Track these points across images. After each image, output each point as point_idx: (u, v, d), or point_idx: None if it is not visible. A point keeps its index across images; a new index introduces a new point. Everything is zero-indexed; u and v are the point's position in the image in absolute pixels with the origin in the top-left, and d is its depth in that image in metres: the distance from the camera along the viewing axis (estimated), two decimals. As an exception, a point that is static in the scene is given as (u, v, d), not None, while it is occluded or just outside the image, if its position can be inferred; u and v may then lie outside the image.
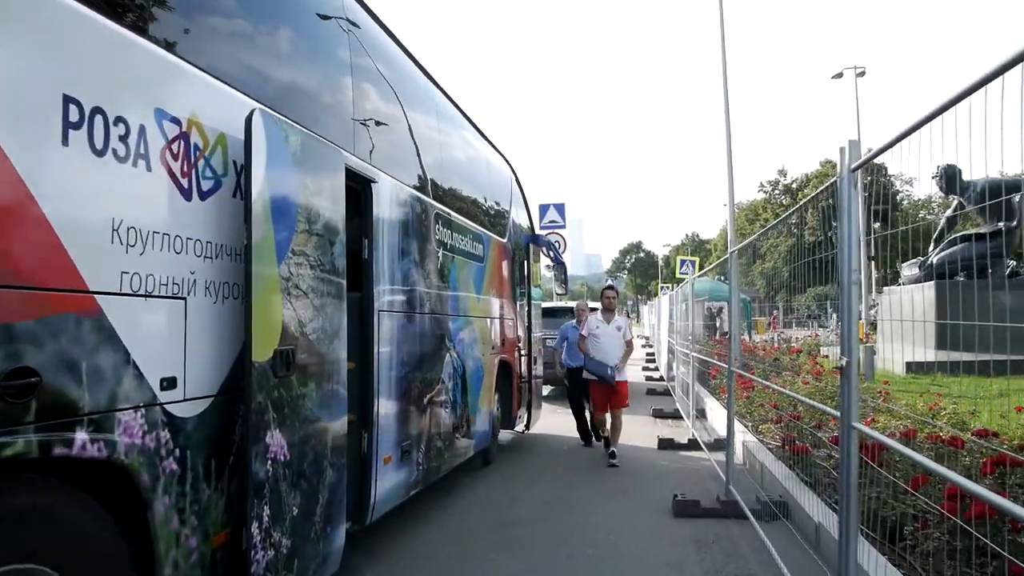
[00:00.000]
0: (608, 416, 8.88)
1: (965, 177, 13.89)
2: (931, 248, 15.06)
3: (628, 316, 31.44)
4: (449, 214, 6.86)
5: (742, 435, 8.44)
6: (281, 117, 3.64)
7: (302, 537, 3.68)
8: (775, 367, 10.87)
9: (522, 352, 9.82)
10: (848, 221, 2.97)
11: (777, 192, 65.17)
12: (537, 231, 16.54)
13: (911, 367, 12.13)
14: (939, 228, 15.97)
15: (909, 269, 14.88)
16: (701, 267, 16.80)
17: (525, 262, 10.22)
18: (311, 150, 3.82)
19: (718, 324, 17.75)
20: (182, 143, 3.13)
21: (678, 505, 6.31)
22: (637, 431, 10.83)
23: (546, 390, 15.38)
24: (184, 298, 3.11)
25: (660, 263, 75.67)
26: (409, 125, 6.13)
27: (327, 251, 3.96)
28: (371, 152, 5.12)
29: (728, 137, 18.09)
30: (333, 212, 4.04)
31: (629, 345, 8.84)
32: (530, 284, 10.26)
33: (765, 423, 8.60)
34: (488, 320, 8.23)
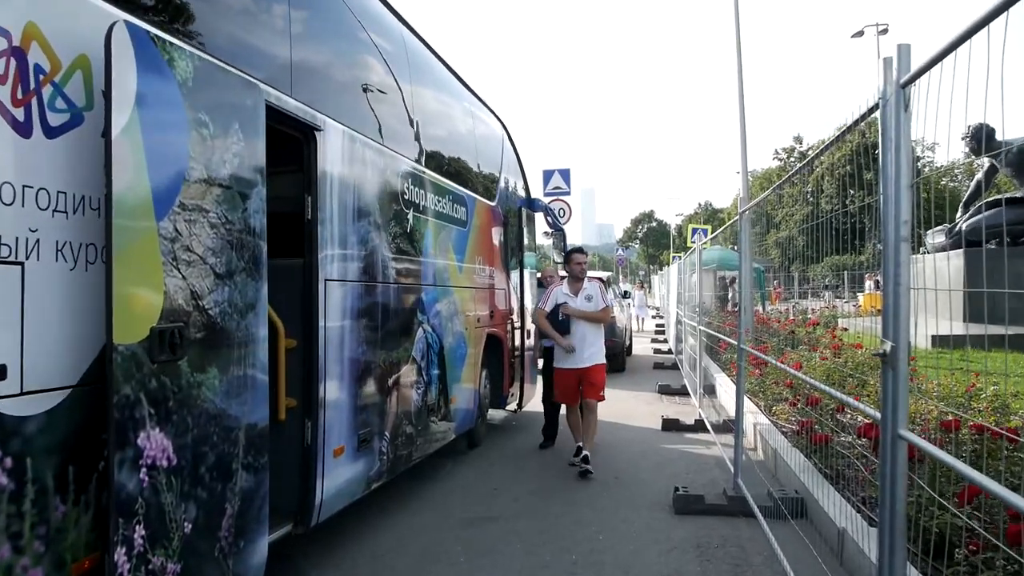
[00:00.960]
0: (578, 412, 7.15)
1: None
2: (959, 214, 14.13)
3: (642, 287, 29.55)
4: (422, 172, 6.09)
5: (754, 416, 7.70)
6: (166, 37, 2.87)
7: (200, 557, 2.98)
8: (790, 341, 10.10)
9: (515, 324, 9.08)
10: (896, 156, 2.18)
11: (792, 159, 63.75)
12: (542, 197, 15.88)
13: (936, 341, 11.31)
14: (968, 193, 15.01)
15: (934, 237, 13.97)
16: (712, 236, 15.95)
17: (520, 228, 9.44)
18: (211, 81, 3.06)
19: (731, 295, 16.92)
20: (12, 62, 2.37)
21: (679, 500, 5.59)
22: (641, 409, 10.12)
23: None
24: (21, 263, 2.39)
25: (673, 233, 74.53)
26: (370, 68, 5.34)
27: (237, 207, 3.21)
28: (316, 96, 4.34)
29: (741, 100, 17.17)
30: (248, 160, 3.30)
31: (603, 310, 7.00)
32: (523, 251, 9.48)
33: (779, 403, 7.84)
34: (473, 290, 7.49)
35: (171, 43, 2.84)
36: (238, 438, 3.20)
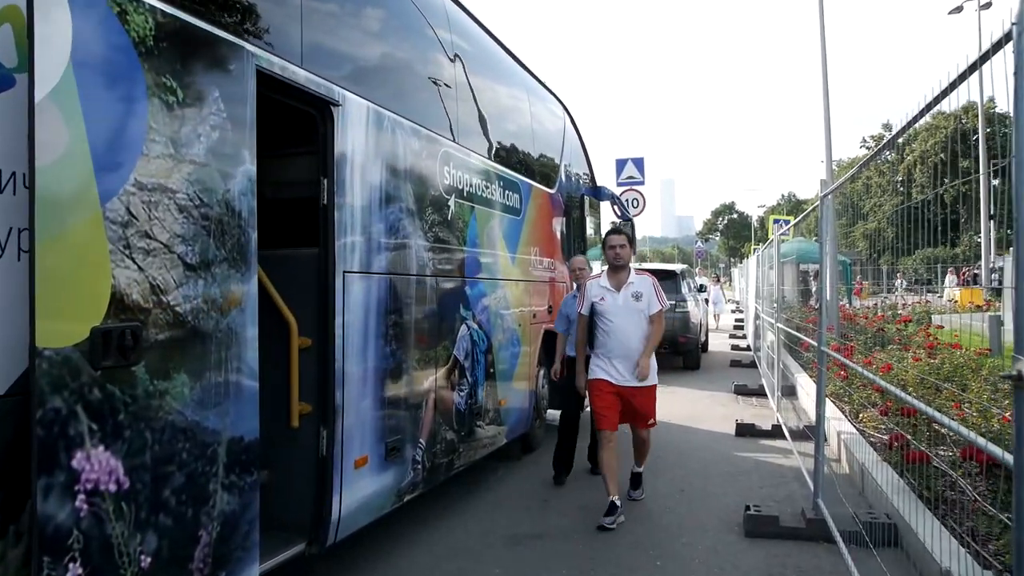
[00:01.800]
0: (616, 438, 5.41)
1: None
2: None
3: (718, 280, 27.46)
4: (466, 155, 5.57)
5: (838, 423, 6.92)
6: None
7: (163, 596, 2.53)
8: (879, 339, 9.20)
9: (577, 320, 8.48)
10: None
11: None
12: (615, 187, 15.20)
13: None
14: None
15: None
16: (796, 228, 14.96)
17: (583, 217, 8.84)
18: (179, 41, 2.61)
19: (815, 289, 15.87)
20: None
21: (750, 521, 4.93)
22: (714, 411, 9.40)
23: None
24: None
25: (754, 225, 72.15)
26: (403, 37, 4.85)
27: (216, 187, 2.76)
28: (333, 67, 3.88)
29: (825, 83, 16.04)
30: (231, 135, 2.84)
31: (657, 322, 5.23)
32: (586, 243, 8.87)
33: (868, 408, 7.03)
34: (528, 284, 6.95)
35: (126, -6, 2.38)
36: (216, 455, 2.75)
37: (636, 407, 5.29)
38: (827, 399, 7.26)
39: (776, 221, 21.26)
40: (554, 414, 8.19)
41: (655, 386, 5.35)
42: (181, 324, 2.59)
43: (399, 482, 4.50)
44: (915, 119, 2.86)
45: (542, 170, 7.61)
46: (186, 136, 2.61)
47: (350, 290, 3.91)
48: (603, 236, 5.74)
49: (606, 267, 5.50)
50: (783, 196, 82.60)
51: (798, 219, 8.11)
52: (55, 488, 2.14)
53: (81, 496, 2.21)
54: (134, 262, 2.40)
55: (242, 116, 2.89)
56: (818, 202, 5.23)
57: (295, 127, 3.91)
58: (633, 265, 6.08)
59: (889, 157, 59.15)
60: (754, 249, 24.89)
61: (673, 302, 12.57)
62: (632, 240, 5.29)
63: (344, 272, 3.87)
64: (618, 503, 5.16)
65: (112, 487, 2.32)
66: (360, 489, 4.05)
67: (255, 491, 2.98)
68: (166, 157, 2.52)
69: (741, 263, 41.78)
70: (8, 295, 2.14)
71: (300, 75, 3.52)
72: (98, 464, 2.26)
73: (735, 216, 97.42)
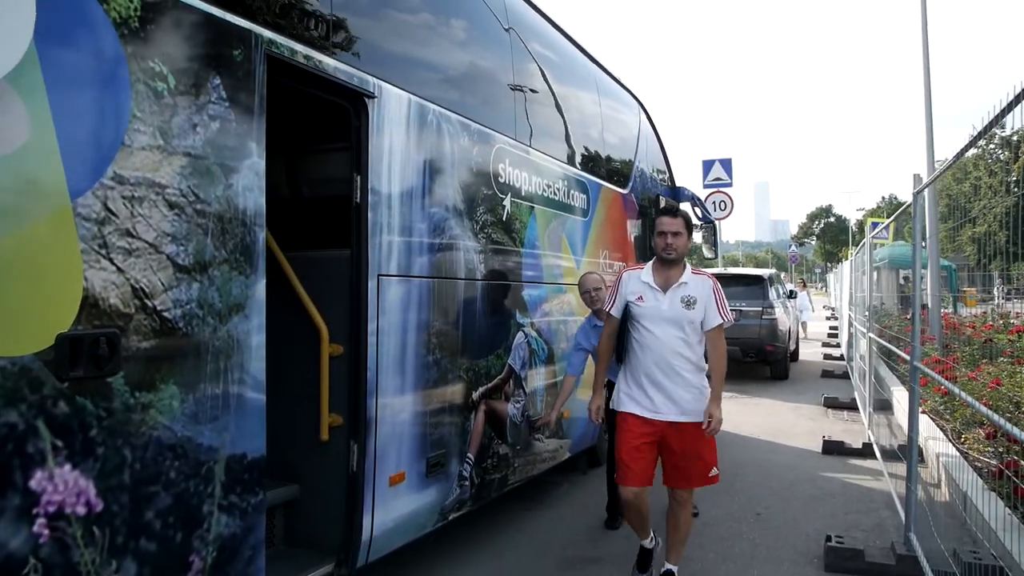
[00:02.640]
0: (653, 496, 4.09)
1: None
2: None
3: (804, 286, 25.33)
4: (526, 152, 5.24)
5: (938, 444, 6.24)
6: None
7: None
8: (987, 351, 8.35)
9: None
10: None
11: (993, 146, 56.82)
12: (702, 189, 14.59)
13: None
14: None
15: None
16: (897, 232, 14.04)
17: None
18: (168, 23, 2.38)
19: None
20: None
21: (831, 553, 4.40)
22: (800, 426, 8.76)
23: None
24: None
25: (852, 228, 68.98)
26: (452, 24, 4.57)
27: (216, 182, 2.52)
28: (370, 56, 3.63)
29: (926, 77, 14.95)
30: (235, 125, 2.60)
31: (716, 340, 3.89)
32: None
33: (972, 427, 6.31)
34: (595, 289, 6.53)
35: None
36: (213, 474, 2.51)
37: (680, 453, 3.79)
38: (925, 416, 6.58)
39: (875, 224, 20.09)
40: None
41: (716, 422, 3.71)
42: (170, 331, 2.35)
43: (443, 500, 4.20)
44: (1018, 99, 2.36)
45: (613, 169, 7.20)
46: (179, 126, 2.37)
47: (385, 295, 3.64)
48: (658, 211, 4.69)
49: (653, 259, 4.00)
50: (883, 198, 78.74)
51: (891, 218, 7.39)
52: (8, 512, 1.92)
53: (41, 520, 1.99)
54: (112, 263, 2.17)
55: (248, 106, 2.65)
56: (911, 198, 4.65)
57: (330, 121, 3.68)
58: (702, 267, 5.39)
59: (1002, 156, 55.60)
60: (851, 254, 23.64)
61: (760, 308, 11.91)
62: (690, 228, 3.91)
63: (379, 275, 3.60)
64: (651, 545, 4.17)
65: (80, 510, 2.09)
66: (396, 507, 3.77)
67: (260, 513, 2.72)
68: (153, 149, 2.29)
69: (837, 268, 40.03)
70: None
71: (327, 64, 3.26)
72: (63, 485, 2.04)
73: (832, 220, 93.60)
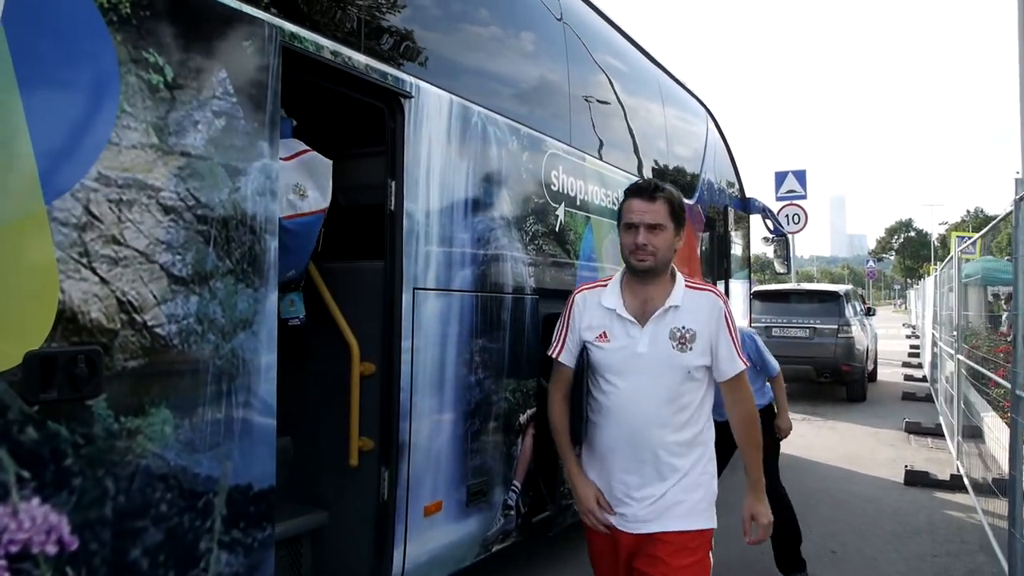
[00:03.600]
0: None
1: None
2: None
3: (863, 305, 23.34)
4: (581, 158, 4.92)
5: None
6: None
7: None
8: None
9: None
10: None
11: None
12: (774, 202, 13.99)
13: None
14: None
15: None
16: (985, 247, 13.10)
17: (726, 232, 7.92)
18: (164, 10, 2.14)
19: (1005, 316, 13.83)
20: None
21: (914, 603, 3.90)
22: (880, 454, 8.14)
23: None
24: None
25: (934, 243, 66.04)
26: (499, 20, 4.29)
27: (219, 185, 2.28)
28: (407, 53, 3.39)
29: (1022, 80, 13.97)
30: (243, 123, 2.36)
31: (739, 392, 2.48)
32: (729, 259, 7.92)
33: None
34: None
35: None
36: (212, 507, 2.26)
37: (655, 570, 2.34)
38: None
39: (960, 239, 18.96)
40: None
41: (701, 534, 2.39)
42: (162, 349, 2.11)
43: (485, 531, 3.89)
44: None
45: (678, 178, 6.81)
46: (176, 123, 2.14)
47: (421, 309, 3.37)
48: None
49: (620, 272, 2.56)
50: (968, 212, 75.15)
51: (984, 231, 6.77)
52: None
53: (2, 562, 1.76)
54: (95, 272, 1.94)
55: (259, 102, 2.41)
56: (1012, 208, 4.13)
57: (364, 123, 3.44)
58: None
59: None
60: (933, 269, 22.43)
61: (835, 326, 11.26)
62: (679, 218, 2.40)
63: (415, 289, 3.33)
64: None
65: (51, 548, 1.85)
66: (431, 539, 3.48)
67: (268, 549, 2.46)
68: (146, 147, 2.06)
69: (917, 285, 38.21)
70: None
71: (358, 61, 3.02)
72: (30, 521, 1.81)
73: (912, 234, 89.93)
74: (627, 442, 2.39)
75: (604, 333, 2.42)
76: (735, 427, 2.50)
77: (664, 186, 2.40)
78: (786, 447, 7.28)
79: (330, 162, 3.14)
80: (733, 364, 2.41)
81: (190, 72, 2.18)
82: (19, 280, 1.80)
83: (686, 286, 2.43)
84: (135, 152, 2.03)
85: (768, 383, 4.73)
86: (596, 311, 2.46)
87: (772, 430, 4.49)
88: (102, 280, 1.96)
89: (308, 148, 3.09)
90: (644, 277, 2.39)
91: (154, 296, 2.09)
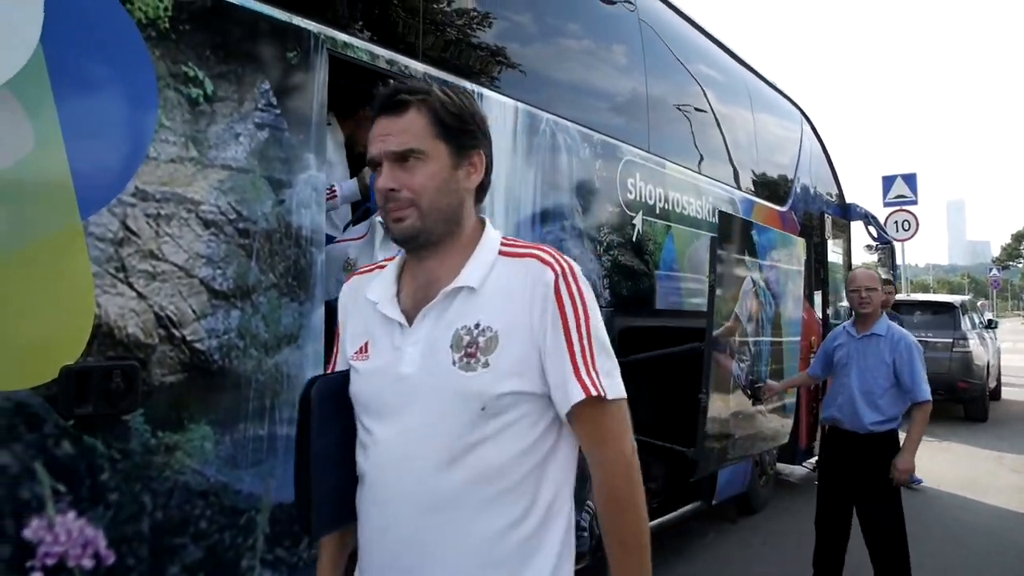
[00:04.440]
0: None
1: None
2: None
3: (983, 317, 21.44)
4: (661, 165, 4.74)
5: None
6: None
7: None
8: None
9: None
10: None
11: None
12: (881, 208, 13.27)
13: None
14: None
15: None
16: None
17: (823, 241, 7.51)
18: (206, 22, 2.14)
19: None
20: None
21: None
22: (1003, 480, 7.52)
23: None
24: None
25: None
26: (566, 18, 4.17)
27: (263, 199, 2.26)
28: (469, 59, 3.33)
29: None
30: (287, 135, 2.34)
31: (604, 440, 1.36)
32: (826, 270, 7.49)
33: None
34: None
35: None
36: (254, 524, 2.22)
37: None
38: None
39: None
40: (790, 469, 6.97)
41: None
42: (202, 364, 2.10)
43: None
44: None
45: (770, 184, 6.50)
46: (217, 136, 2.13)
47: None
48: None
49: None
50: (1111, 215, 69.28)
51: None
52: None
53: (37, 574, 1.76)
54: (131, 287, 1.94)
55: (305, 114, 2.38)
56: None
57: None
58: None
59: None
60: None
61: (950, 340, 10.52)
62: (453, 129, 1.33)
63: (478, 301, 3.24)
64: None
65: (87, 562, 1.85)
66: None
67: (313, 568, 2.40)
68: (185, 161, 2.06)
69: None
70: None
71: (414, 69, 2.97)
72: (65, 534, 1.81)
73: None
74: (387, 550, 1.33)
75: (366, 344, 1.42)
76: (597, 505, 1.40)
77: (419, 85, 1.36)
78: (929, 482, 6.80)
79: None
80: (573, 389, 1.30)
81: (231, 84, 2.17)
82: (55, 295, 1.82)
83: (501, 252, 1.39)
84: (174, 166, 2.03)
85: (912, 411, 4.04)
86: (364, 309, 1.45)
87: (887, 466, 3.97)
88: (139, 295, 1.95)
89: (363, 234, 2.90)
90: (413, 249, 1.39)
91: (193, 310, 2.07)
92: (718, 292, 4.12)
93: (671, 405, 4.66)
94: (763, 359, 4.79)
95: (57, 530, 1.80)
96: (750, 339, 4.58)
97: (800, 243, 5.45)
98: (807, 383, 4.84)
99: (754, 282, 4.56)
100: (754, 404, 4.59)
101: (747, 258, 4.49)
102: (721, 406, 4.25)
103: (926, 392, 3.89)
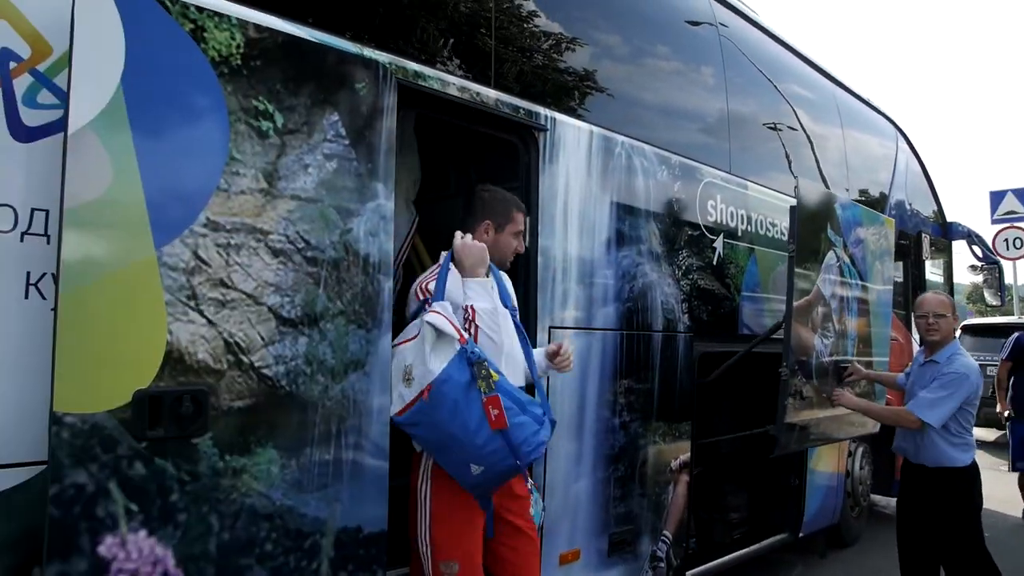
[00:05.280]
0: None
1: None
2: None
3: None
4: (743, 186, 4.61)
5: None
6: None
7: None
8: None
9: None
10: None
11: None
12: (988, 226, 12.55)
13: None
14: None
15: None
16: None
17: (919, 260, 7.12)
18: (276, 57, 2.20)
19: None
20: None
21: None
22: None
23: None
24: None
25: None
26: (643, 43, 4.12)
27: (331, 228, 2.31)
28: (540, 83, 3.34)
29: None
30: (355, 165, 2.38)
31: None
32: (924, 289, 7.08)
33: None
34: (835, 341, 5.60)
35: (199, 8, 2.03)
36: (319, 548, 2.25)
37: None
38: None
39: None
40: (886, 501, 6.62)
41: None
42: (270, 390, 2.14)
43: (626, 584, 3.65)
44: None
45: (861, 203, 6.20)
46: (286, 168, 2.19)
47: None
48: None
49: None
50: None
51: None
52: (69, 578, 1.77)
53: (113, 593, 1.83)
54: (202, 315, 2.00)
55: (373, 143, 2.41)
56: None
57: (500, 157, 3.40)
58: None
59: None
60: None
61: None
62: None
63: (550, 328, 3.22)
64: None
65: (160, 583, 1.90)
66: (565, 590, 3.30)
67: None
68: (255, 192, 2.11)
69: None
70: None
71: (487, 96, 2.99)
72: (137, 552, 1.87)
73: None
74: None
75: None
76: None
77: None
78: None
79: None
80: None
81: (300, 116, 2.22)
82: (130, 322, 1.89)
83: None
84: (244, 197, 2.09)
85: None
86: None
87: (961, 505, 3.68)
88: (209, 322, 2.01)
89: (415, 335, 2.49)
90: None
91: (262, 337, 2.12)
92: (797, 264, 3.93)
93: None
94: (849, 338, 4.55)
95: (129, 548, 1.86)
96: (834, 316, 4.36)
97: (889, 222, 5.18)
98: (893, 387, 4.49)
99: (837, 257, 4.36)
100: (841, 383, 4.33)
101: (830, 232, 4.28)
102: (804, 383, 4.04)
103: (926, 414, 3.56)
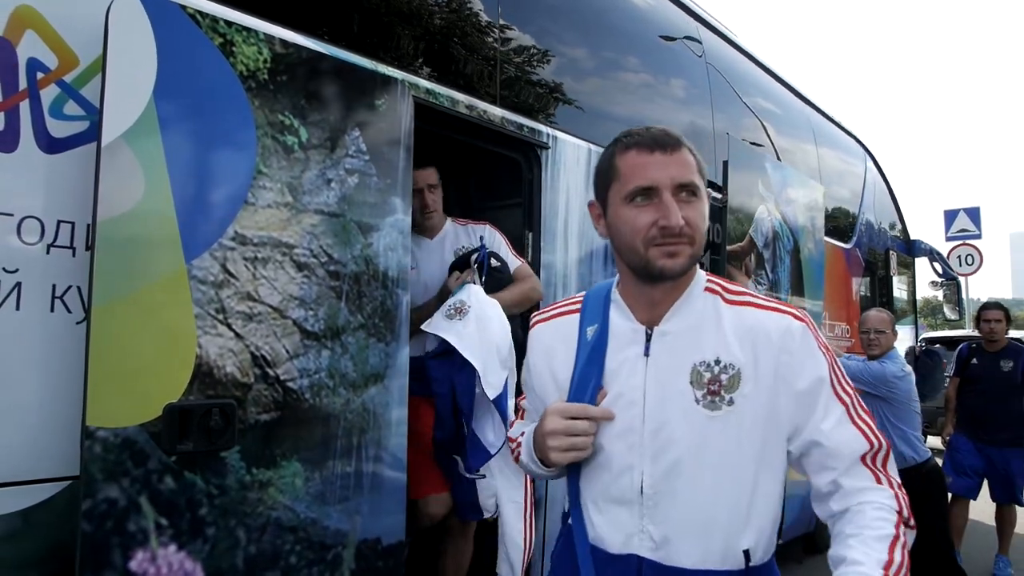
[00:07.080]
0: None
1: None
2: None
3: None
4: (722, 203, 4.66)
5: None
6: (222, 14, 2.05)
7: None
8: None
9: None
10: None
11: None
12: (943, 243, 12.88)
13: None
14: None
15: None
16: None
17: (887, 277, 7.28)
18: (300, 73, 2.19)
19: None
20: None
21: None
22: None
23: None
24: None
25: None
26: (638, 67, 4.17)
27: (352, 242, 2.29)
28: (542, 103, 3.36)
29: None
30: (374, 179, 2.37)
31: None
32: (892, 305, 7.25)
33: None
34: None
35: (228, 22, 2.01)
36: (341, 560, 2.21)
37: None
38: None
39: None
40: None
41: None
42: (294, 403, 2.11)
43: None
44: None
45: (834, 222, 6.34)
46: (310, 182, 2.17)
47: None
48: None
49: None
50: None
51: None
52: (98, 599, 1.72)
53: (139, 610, 1.78)
54: (230, 328, 1.97)
55: (392, 159, 2.41)
56: None
57: (503, 174, 3.42)
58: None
59: None
60: None
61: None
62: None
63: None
64: None
65: (186, 598, 1.86)
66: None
67: (398, 613, 2.38)
68: (280, 206, 2.09)
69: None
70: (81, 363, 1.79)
71: (493, 114, 3.00)
72: (167, 566, 1.82)
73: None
74: None
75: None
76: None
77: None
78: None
79: None
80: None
81: (323, 132, 2.21)
82: (161, 335, 1.85)
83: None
84: (270, 211, 2.07)
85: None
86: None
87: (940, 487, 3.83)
88: (237, 335, 1.98)
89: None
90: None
91: (287, 350, 2.09)
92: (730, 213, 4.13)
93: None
94: (782, 287, 4.70)
95: (159, 562, 1.82)
96: (767, 265, 4.53)
97: (818, 188, 5.40)
98: None
99: (768, 211, 4.52)
100: None
101: (761, 187, 4.45)
102: None
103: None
